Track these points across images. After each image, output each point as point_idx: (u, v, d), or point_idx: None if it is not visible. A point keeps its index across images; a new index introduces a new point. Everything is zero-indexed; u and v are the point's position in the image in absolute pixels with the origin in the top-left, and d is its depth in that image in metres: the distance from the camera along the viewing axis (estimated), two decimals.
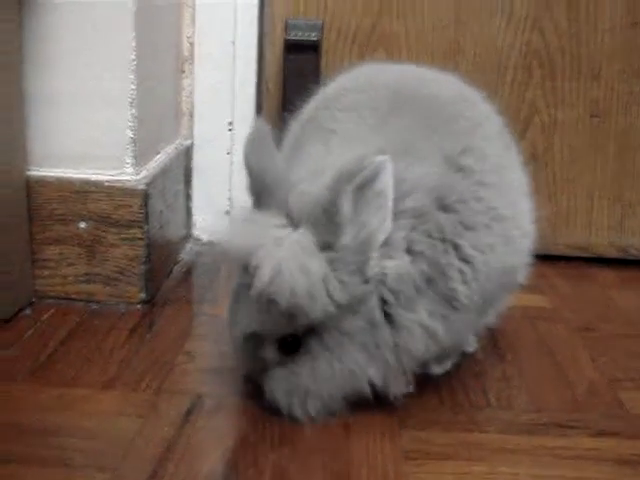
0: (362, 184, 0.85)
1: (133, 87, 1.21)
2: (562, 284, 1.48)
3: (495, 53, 1.51)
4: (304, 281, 0.84)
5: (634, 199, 1.59)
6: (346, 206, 0.85)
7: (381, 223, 0.88)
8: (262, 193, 0.92)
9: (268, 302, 0.86)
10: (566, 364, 1.15)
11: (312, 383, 0.91)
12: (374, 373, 0.92)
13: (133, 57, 1.19)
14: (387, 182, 0.87)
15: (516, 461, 0.90)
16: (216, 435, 0.93)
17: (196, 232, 1.59)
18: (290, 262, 0.84)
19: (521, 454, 0.91)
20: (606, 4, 1.49)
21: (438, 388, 1.06)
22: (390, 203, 0.88)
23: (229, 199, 1.56)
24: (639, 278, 1.57)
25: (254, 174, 0.93)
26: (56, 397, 0.99)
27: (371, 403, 0.97)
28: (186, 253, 1.54)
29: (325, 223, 0.87)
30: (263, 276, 0.84)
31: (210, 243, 1.58)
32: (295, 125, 1.15)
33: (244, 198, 1.54)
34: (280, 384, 0.93)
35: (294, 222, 0.89)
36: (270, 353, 0.92)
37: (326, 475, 0.85)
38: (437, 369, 1.09)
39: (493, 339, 1.21)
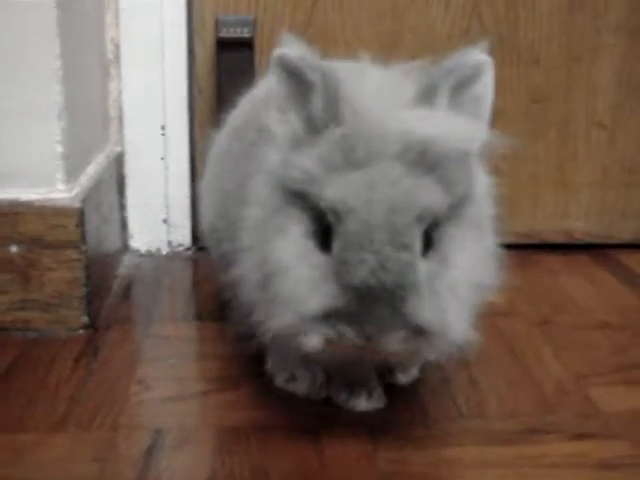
0: (461, 83, 0.81)
1: (60, 98, 1.12)
2: (511, 274, 1.46)
3: (433, 42, 1.47)
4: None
5: (577, 183, 1.59)
6: (441, 103, 0.81)
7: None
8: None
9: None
10: (530, 362, 1.14)
11: (463, 274, 0.83)
12: None
13: (58, 66, 1.11)
14: (488, 85, 0.83)
15: (499, 475, 0.87)
16: (183, 474, 0.86)
17: (133, 243, 1.51)
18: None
19: (503, 467, 0.88)
20: None
21: (407, 401, 1.02)
22: (488, 112, 0.83)
23: (166, 207, 1.48)
24: (584, 262, 1.57)
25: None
26: (0, 445, 0.90)
27: (342, 422, 0.93)
28: (124, 266, 1.46)
29: None
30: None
31: (149, 254, 1.52)
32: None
33: (182, 205, 1.50)
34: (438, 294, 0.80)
35: None
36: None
37: None
38: (404, 379, 1.06)
39: None
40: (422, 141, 0.78)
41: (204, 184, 1.16)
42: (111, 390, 1.03)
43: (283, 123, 0.83)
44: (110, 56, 1.43)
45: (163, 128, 1.46)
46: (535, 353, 1.16)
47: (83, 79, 1.26)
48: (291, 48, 0.81)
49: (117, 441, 0.92)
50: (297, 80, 0.81)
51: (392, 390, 1.03)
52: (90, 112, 1.33)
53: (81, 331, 1.18)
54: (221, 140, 1.11)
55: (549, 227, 1.60)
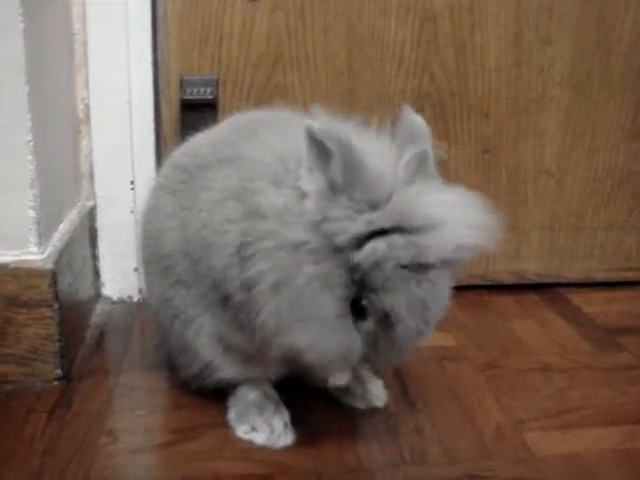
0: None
1: (32, 168, 1.19)
2: (464, 317, 1.55)
3: (388, 98, 1.56)
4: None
5: (528, 227, 1.68)
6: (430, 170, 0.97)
7: None
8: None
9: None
10: (473, 407, 1.22)
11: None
12: None
13: (29, 138, 1.18)
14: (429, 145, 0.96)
15: None
16: None
17: (106, 292, 1.59)
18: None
19: None
20: (491, 46, 1.56)
21: (354, 447, 1.10)
22: (431, 169, 0.97)
23: (136, 256, 1.56)
24: (535, 302, 1.66)
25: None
26: None
27: (294, 470, 1.01)
28: (97, 315, 1.53)
29: None
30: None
31: (121, 301, 1.59)
32: None
33: None
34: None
35: None
36: None
37: None
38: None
39: (403, 386, 1.27)
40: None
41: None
42: (83, 442, 1.10)
43: (312, 180, 0.93)
44: (81, 115, 1.50)
45: (132, 183, 1.53)
46: (478, 398, 1.24)
47: (54, 144, 1.34)
48: (317, 119, 0.91)
49: None
50: (320, 147, 0.90)
51: (340, 436, 1.11)
52: (62, 172, 1.40)
53: (55, 382, 1.25)
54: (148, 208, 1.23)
55: (502, 269, 1.70)
